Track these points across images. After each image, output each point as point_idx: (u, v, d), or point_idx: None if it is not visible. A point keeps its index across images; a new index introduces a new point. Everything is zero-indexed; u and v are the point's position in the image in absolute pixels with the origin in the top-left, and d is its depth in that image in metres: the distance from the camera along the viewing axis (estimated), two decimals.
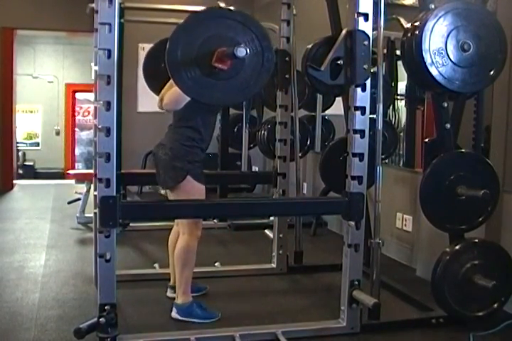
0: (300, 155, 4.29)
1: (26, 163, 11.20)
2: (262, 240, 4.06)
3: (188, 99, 2.59)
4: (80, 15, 4.53)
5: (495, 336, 2.66)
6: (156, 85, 3.37)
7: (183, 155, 2.80)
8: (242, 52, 2.25)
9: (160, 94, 3.00)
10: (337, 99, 3.96)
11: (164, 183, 2.86)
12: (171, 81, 2.53)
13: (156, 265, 3.63)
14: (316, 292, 3.39)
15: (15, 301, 3.08)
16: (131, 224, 4.67)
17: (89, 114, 11.72)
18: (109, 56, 2.27)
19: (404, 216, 3.98)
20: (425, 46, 2.56)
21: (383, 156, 3.22)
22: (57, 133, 11.59)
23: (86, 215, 5.05)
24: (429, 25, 2.56)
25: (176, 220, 3.09)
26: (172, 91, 2.74)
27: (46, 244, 4.41)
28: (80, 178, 5.38)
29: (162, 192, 4.83)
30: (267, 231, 3.94)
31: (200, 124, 2.83)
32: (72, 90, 11.53)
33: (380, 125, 2.77)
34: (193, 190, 2.80)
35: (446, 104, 2.76)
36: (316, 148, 5.36)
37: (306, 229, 4.33)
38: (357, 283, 2.67)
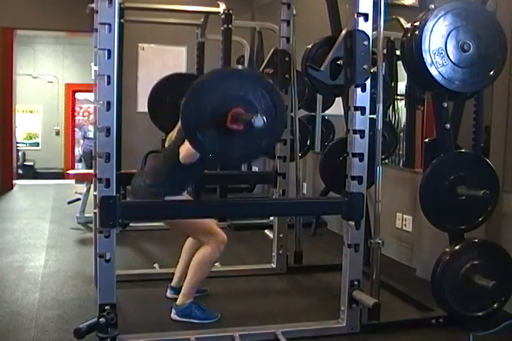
0: (300, 155, 4.29)
1: (26, 163, 11.21)
2: (262, 240, 4.06)
3: None
4: (80, 15, 4.55)
5: (495, 336, 2.66)
6: (161, 120, 3.46)
7: (161, 183, 2.77)
8: (259, 122, 2.21)
9: (169, 135, 2.92)
10: (337, 99, 3.96)
11: None
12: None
13: (156, 265, 3.63)
14: (316, 292, 3.39)
15: (15, 301, 3.08)
16: (131, 224, 4.66)
17: (89, 113, 11.74)
18: (109, 56, 2.27)
19: (404, 216, 3.97)
20: (425, 46, 2.56)
21: (383, 156, 3.22)
22: (57, 133, 11.60)
23: (86, 215, 5.05)
24: (429, 25, 2.56)
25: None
26: (188, 146, 2.56)
27: (46, 244, 4.41)
28: (80, 178, 5.38)
29: None
30: (267, 231, 3.94)
31: (192, 167, 2.72)
32: (72, 90, 11.54)
33: (380, 125, 2.77)
34: None
35: (446, 104, 2.76)
36: (316, 148, 5.36)
37: (306, 229, 4.33)
38: (357, 283, 2.67)
